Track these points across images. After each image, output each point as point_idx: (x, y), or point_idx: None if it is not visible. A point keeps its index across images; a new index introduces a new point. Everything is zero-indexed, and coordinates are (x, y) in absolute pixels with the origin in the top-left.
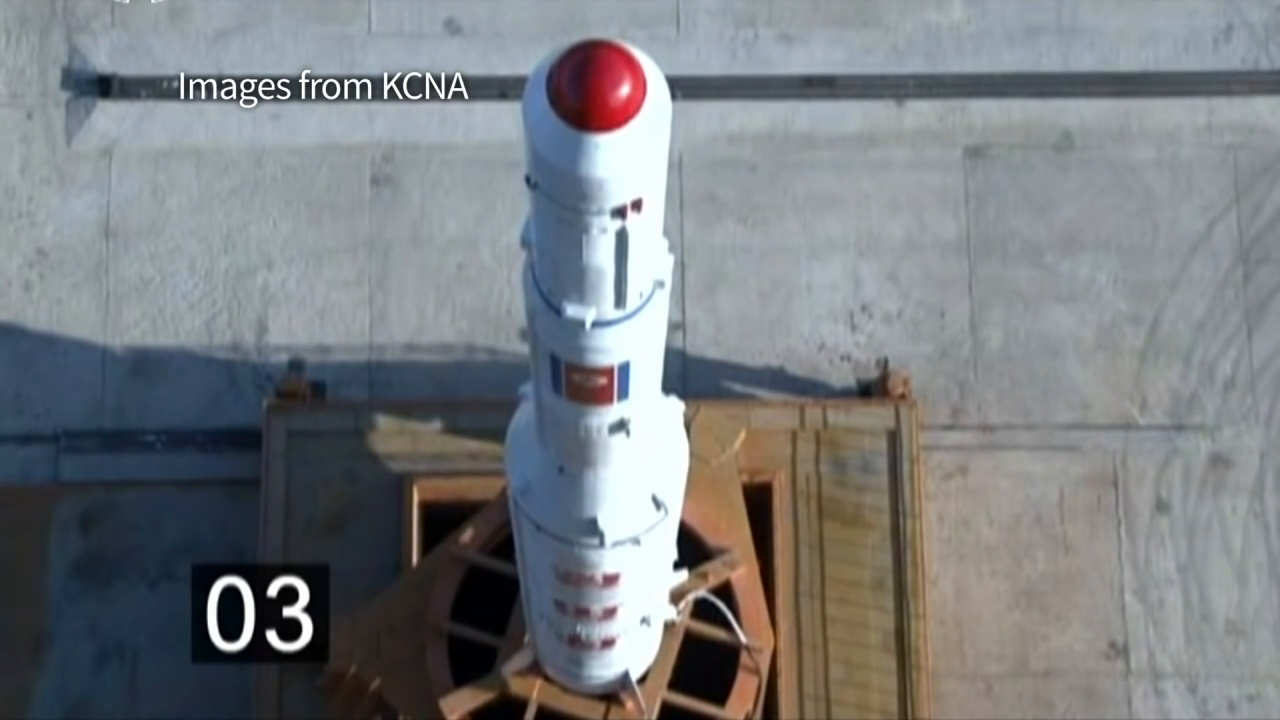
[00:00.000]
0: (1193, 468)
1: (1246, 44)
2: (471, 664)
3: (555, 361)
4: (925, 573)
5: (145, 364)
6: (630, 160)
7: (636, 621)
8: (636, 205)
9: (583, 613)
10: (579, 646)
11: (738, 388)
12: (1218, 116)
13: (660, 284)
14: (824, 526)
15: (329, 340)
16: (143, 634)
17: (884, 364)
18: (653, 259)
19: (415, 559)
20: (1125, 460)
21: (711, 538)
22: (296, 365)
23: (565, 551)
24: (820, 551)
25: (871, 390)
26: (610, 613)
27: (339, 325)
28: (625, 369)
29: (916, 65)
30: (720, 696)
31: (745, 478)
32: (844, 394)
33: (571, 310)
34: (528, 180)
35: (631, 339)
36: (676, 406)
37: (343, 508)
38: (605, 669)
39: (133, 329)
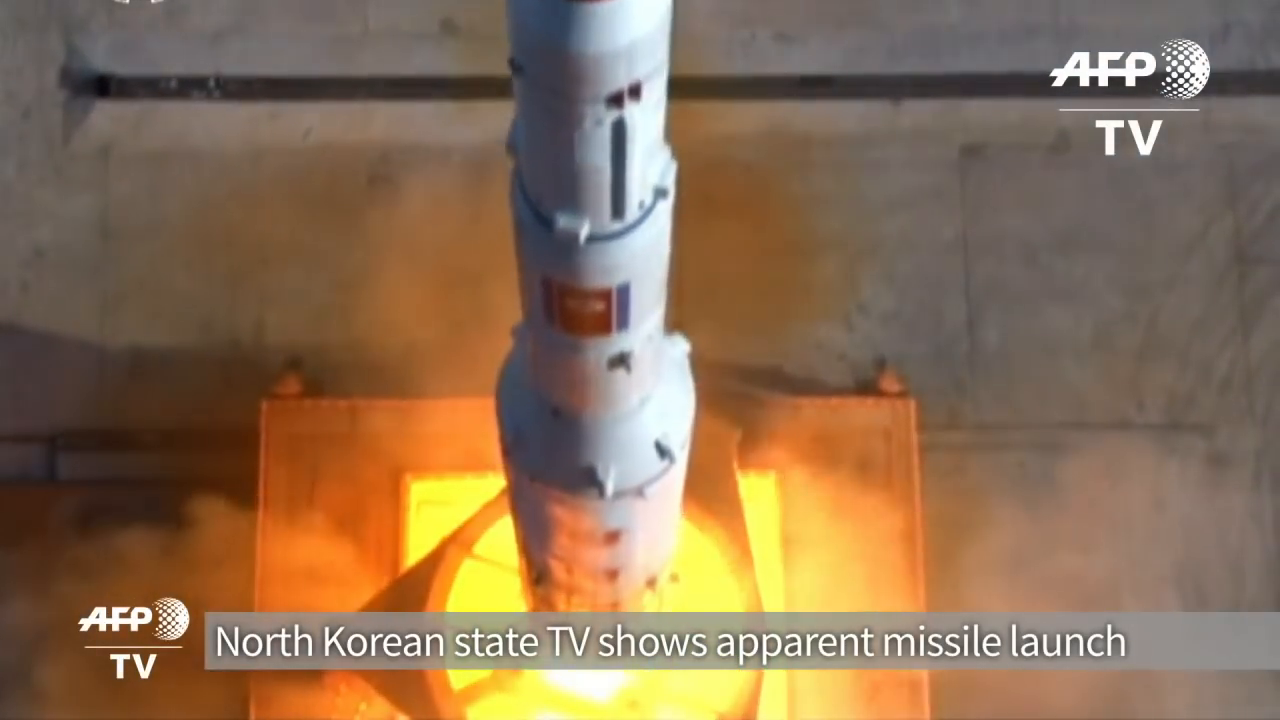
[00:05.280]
0: (1189, 467)
1: (1243, 44)
2: None
3: (547, 286)
4: (923, 571)
5: (143, 363)
6: (627, 34)
7: (641, 585)
8: (635, 91)
9: (583, 575)
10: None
11: (734, 387)
12: (1214, 116)
13: (663, 193)
14: (821, 526)
15: (326, 340)
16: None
17: (880, 363)
18: (654, 162)
19: (412, 558)
20: (1122, 459)
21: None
22: (294, 364)
23: (562, 507)
24: (818, 551)
25: (868, 389)
26: (612, 575)
27: (336, 325)
28: (625, 293)
29: (913, 65)
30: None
31: (742, 477)
32: (841, 393)
33: (564, 222)
34: (512, 64)
35: (631, 256)
36: (681, 345)
37: (340, 507)
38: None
39: (130, 328)
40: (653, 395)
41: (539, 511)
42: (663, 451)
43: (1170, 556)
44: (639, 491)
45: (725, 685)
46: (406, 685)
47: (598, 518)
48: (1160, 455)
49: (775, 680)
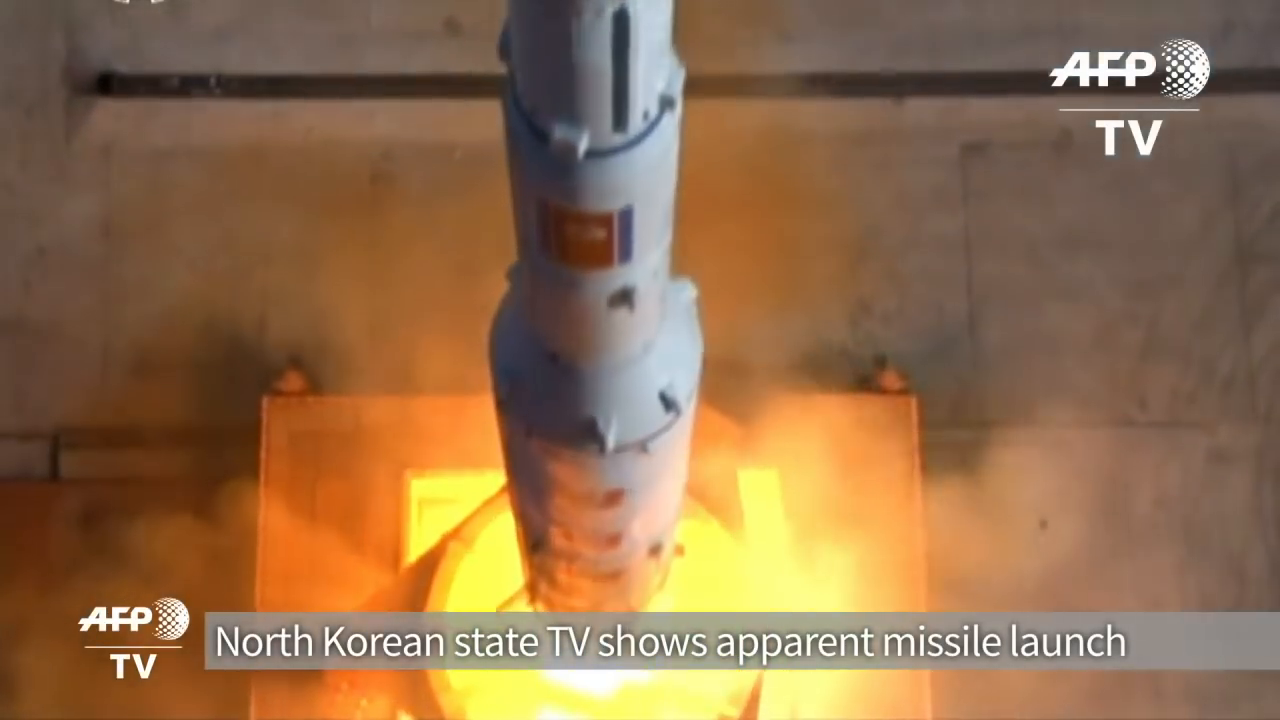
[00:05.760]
0: (1191, 465)
1: (1245, 43)
2: None
3: (543, 211)
4: (925, 569)
5: (145, 361)
6: None
7: (644, 553)
8: None
9: (583, 540)
10: (575, 578)
11: (736, 385)
12: (1216, 115)
13: (670, 103)
14: (823, 523)
15: (329, 338)
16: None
17: (882, 361)
18: (660, 67)
19: (413, 555)
20: (1124, 457)
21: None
22: (296, 362)
23: (561, 464)
24: (818, 548)
25: (870, 387)
26: (613, 540)
27: (339, 323)
28: (627, 218)
29: (915, 63)
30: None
31: (742, 474)
32: (843, 390)
33: (561, 132)
34: None
35: (635, 175)
36: (688, 290)
37: (342, 504)
38: (609, 604)
39: (132, 326)
40: (657, 342)
41: (535, 470)
42: (668, 403)
43: (1172, 554)
44: (642, 446)
45: (727, 684)
46: (408, 682)
47: (598, 475)
48: (1162, 453)
49: (775, 681)
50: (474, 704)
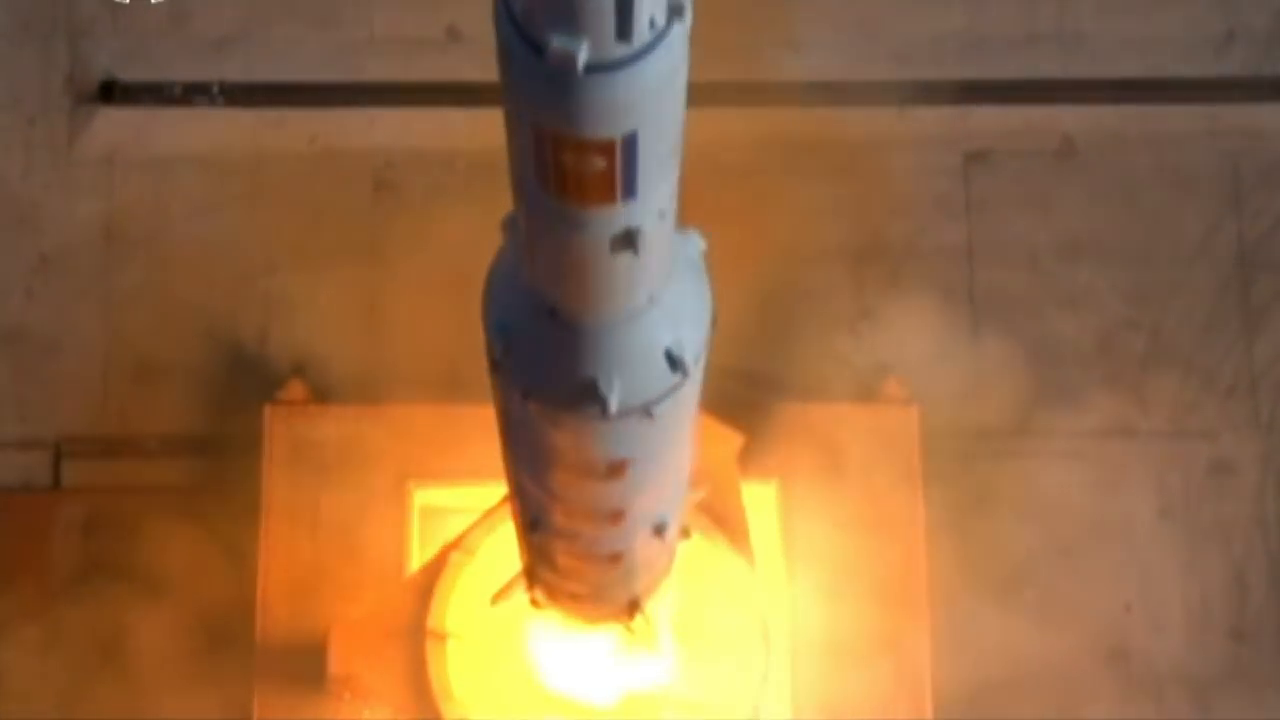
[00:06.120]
0: (1193, 473)
1: (1248, 50)
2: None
3: (540, 139)
4: (925, 579)
5: (147, 370)
6: None
7: (649, 531)
8: None
9: (583, 517)
10: (576, 561)
11: (737, 393)
12: (1219, 122)
13: (678, 11)
14: (823, 533)
15: (331, 346)
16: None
17: (884, 370)
18: None
19: (415, 565)
20: (1126, 466)
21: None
22: (299, 370)
23: (560, 431)
24: (820, 559)
25: (872, 395)
26: (616, 517)
27: (341, 331)
28: (631, 146)
29: (917, 71)
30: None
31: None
32: (844, 399)
33: (558, 42)
34: None
35: (640, 94)
36: (696, 241)
37: (343, 513)
38: (611, 590)
39: (134, 335)
40: (663, 297)
41: (533, 439)
42: (674, 362)
43: (1174, 563)
44: (646, 411)
45: (728, 690)
46: (410, 691)
47: (599, 443)
48: (1164, 462)
49: (778, 678)
50: (477, 713)
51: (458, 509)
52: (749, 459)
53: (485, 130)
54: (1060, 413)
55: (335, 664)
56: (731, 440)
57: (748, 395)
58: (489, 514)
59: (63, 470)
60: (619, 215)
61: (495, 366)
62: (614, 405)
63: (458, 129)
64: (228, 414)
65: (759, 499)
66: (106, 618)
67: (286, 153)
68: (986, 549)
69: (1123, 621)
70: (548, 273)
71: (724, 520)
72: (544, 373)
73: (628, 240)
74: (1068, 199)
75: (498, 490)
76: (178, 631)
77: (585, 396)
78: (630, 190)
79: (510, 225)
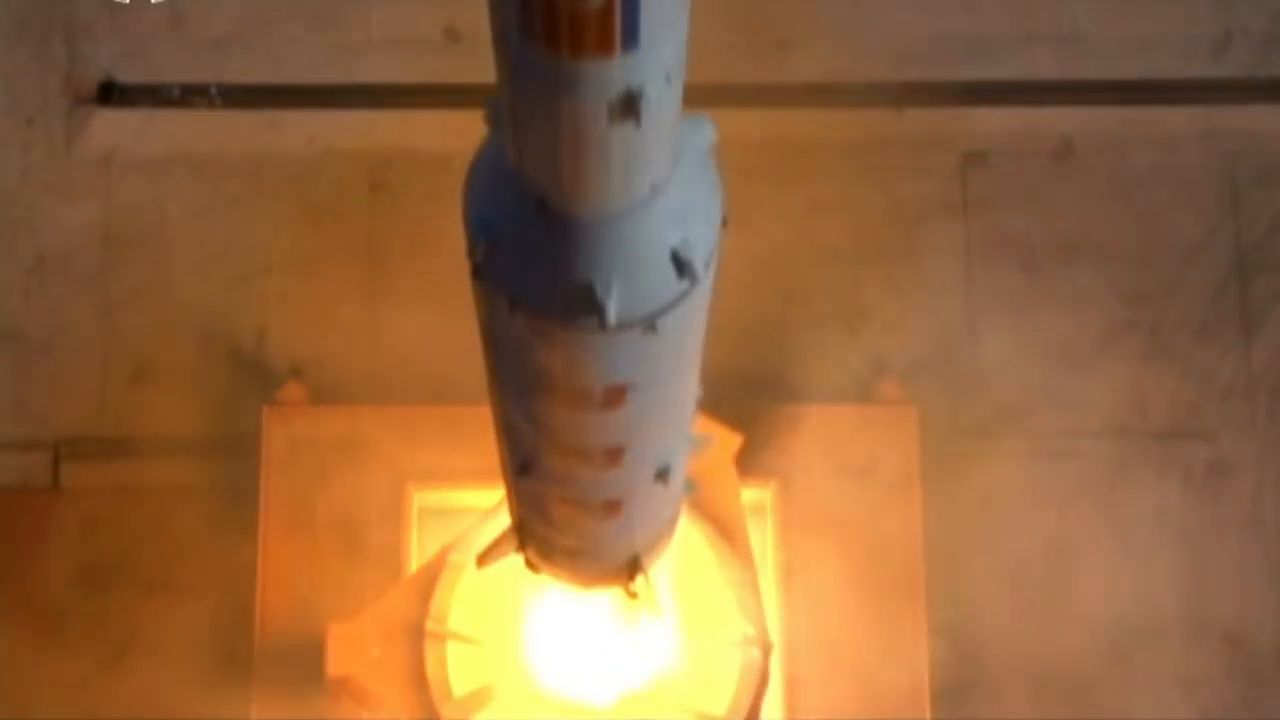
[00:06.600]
0: (1191, 475)
1: (1245, 51)
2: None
3: None
4: (924, 580)
5: (145, 371)
6: None
7: (650, 475)
8: None
9: (578, 456)
10: (571, 510)
11: (734, 394)
12: (1217, 124)
13: None
14: (820, 534)
15: (329, 347)
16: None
17: (882, 370)
18: None
19: (415, 563)
20: (1123, 467)
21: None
22: (296, 372)
23: (551, 349)
24: (817, 560)
25: (870, 396)
26: (614, 456)
27: (339, 332)
28: None
29: (915, 72)
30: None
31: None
32: (842, 400)
33: None
34: None
35: None
36: (706, 128)
37: (342, 514)
38: (611, 543)
39: (132, 336)
40: (669, 189)
41: (521, 362)
42: (681, 265)
43: (1171, 564)
44: (649, 324)
45: (728, 693)
46: (410, 693)
47: (596, 363)
48: (1162, 463)
49: (775, 682)
50: (476, 715)
51: (458, 509)
52: (746, 459)
53: (483, 131)
54: (1058, 413)
55: (334, 665)
56: (729, 440)
57: (745, 395)
58: (489, 515)
59: (61, 471)
60: (618, 71)
61: (477, 271)
62: (613, 314)
63: (456, 130)
64: (226, 415)
65: (757, 500)
66: (106, 619)
67: (284, 154)
68: (985, 549)
69: (1121, 622)
70: (535, 153)
71: (721, 521)
72: (532, 277)
73: (629, 105)
74: (1066, 199)
75: (498, 491)
76: (177, 632)
77: (580, 304)
78: (632, 36)
79: (493, 109)
